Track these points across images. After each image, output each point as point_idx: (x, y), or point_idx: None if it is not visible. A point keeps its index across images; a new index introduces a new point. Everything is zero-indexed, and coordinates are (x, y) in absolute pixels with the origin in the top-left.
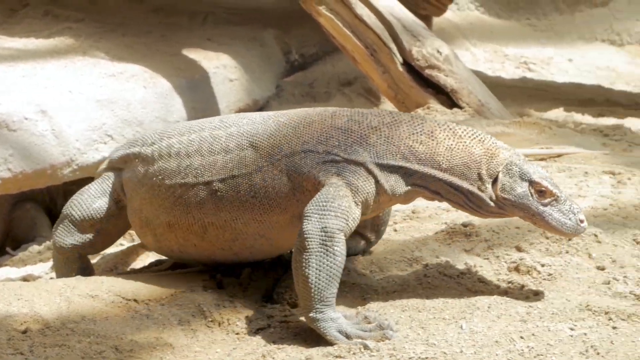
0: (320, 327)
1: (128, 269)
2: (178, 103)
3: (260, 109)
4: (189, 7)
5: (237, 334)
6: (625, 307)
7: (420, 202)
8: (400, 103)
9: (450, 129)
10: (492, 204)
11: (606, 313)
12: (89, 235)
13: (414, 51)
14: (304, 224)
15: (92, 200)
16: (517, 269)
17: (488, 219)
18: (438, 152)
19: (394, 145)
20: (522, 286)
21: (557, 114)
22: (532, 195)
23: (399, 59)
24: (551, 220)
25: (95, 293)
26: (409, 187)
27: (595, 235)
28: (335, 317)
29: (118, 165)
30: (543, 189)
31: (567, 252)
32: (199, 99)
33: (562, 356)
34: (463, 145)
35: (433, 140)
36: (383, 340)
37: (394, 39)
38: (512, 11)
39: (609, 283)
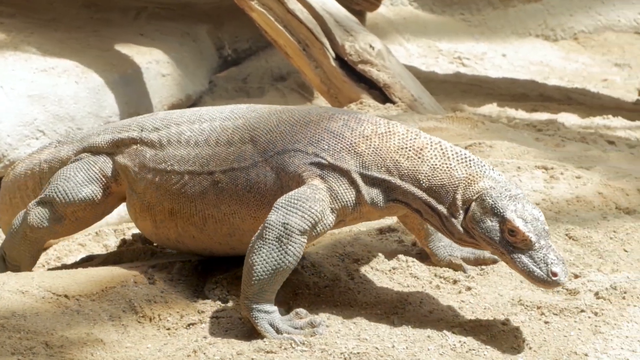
0: (252, 316)
1: (59, 265)
2: (110, 98)
3: (193, 104)
4: (121, 2)
5: (168, 329)
6: (557, 302)
7: None
8: (333, 98)
9: (442, 148)
10: (462, 231)
11: (538, 308)
12: (67, 222)
13: (347, 46)
14: (270, 214)
15: (80, 188)
16: (451, 264)
17: (463, 246)
18: (421, 170)
19: (380, 157)
20: (455, 281)
21: (491, 109)
22: (501, 233)
23: (331, 54)
24: (518, 264)
25: (26, 289)
26: (390, 202)
27: None
28: (270, 311)
29: (106, 150)
30: (514, 229)
31: None
32: (132, 94)
33: (494, 351)
34: (447, 167)
35: (419, 157)
36: (314, 336)
37: (327, 34)
38: (445, 6)
39: None
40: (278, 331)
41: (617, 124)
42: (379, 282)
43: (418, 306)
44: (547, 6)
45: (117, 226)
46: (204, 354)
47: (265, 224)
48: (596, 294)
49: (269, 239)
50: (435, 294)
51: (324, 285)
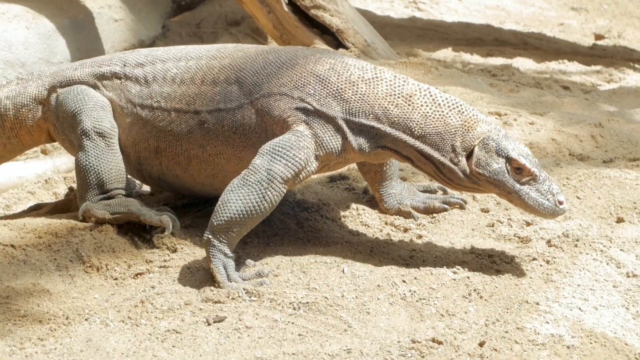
0: (210, 253)
1: (8, 213)
2: (62, 44)
3: None
4: None
5: (115, 279)
6: (509, 250)
7: None
8: (286, 43)
9: (431, 95)
10: (464, 177)
11: (490, 256)
12: None
13: None
14: (255, 158)
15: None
16: (400, 212)
17: (461, 191)
18: (412, 118)
19: (368, 104)
20: (406, 229)
21: (445, 53)
22: (508, 172)
23: None
24: (528, 200)
25: None
26: (379, 149)
27: None
28: (228, 255)
29: (87, 82)
30: (520, 166)
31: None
32: (83, 39)
33: (444, 300)
34: (440, 114)
35: (409, 104)
36: (261, 286)
37: None
38: None
39: (493, 225)
40: (229, 278)
41: (572, 69)
42: (329, 230)
43: (368, 255)
44: None
45: (66, 174)
46: (152, 304)
47: (250, 167)
48: (548, 241)
49: (250, 181)
50: (385, 243)
51: (273, 234)
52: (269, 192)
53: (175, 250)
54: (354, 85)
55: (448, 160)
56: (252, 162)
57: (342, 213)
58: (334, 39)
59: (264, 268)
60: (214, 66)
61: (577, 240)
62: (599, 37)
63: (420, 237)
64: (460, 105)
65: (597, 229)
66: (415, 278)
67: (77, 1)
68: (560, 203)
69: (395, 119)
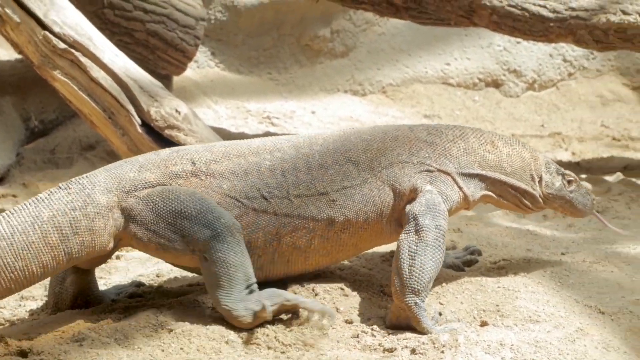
0: (417, 313)
1: None
2: None
3: (1, 179)
4: None
5: None
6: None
7: None
8: None
9: (502, 138)
10: (540, 200)
11: None
12: None
13: (152, 112)
14: (420, 219)
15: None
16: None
17: (528, 214)
18: (502, 159)
19: (471, 156)
20: (269, 347)
21: None
22: (565, 186)
23: (137, 120)
24: (578, 204)
25: None
26: (483, 192)
27: (342, 289)
28: (427, 308)
29: (162, 183)
30: (572, 178)
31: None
32: None
33: None
34: (516, 152)
35: (496, 149)
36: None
37: (132, 100)
38: (252, 66)
39: (357, 336)
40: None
41: None
42: None
43: None
44: (354, 61)
45: None
46: None
47: (423, 228)
48: (413, 350)
49: (429, 241)
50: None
51: None
52: (443, 245)
53: None
54: (454, 143)
55: (530, 188)
56: (420, 224)
57: None
58: None
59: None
60: (311, 153)
61: (443, 346)
62: None
63: (284, 352)
64: (519, 141)
65: (463, 333)
66: None
67: None
68: (594, 201)
69: (492, 163)
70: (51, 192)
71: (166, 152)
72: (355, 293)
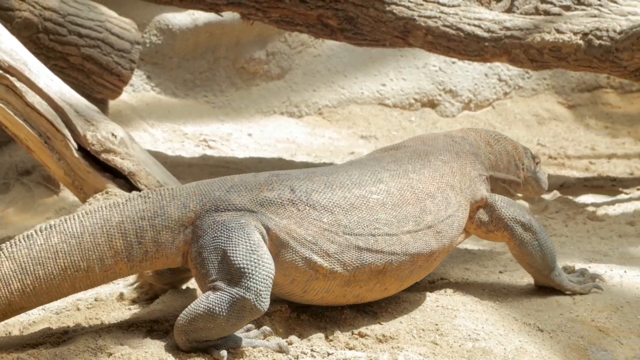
0: (562, 282)
1: None
2: None
3: None
4: None
5: None
6: None
7: None
8: (79, 189)
9: (488, 133)
10: (522, 185)
11: None
12: None
13: (89, 136)
14: (519, 218)
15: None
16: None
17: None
18: (497, 158)
19: (489, 159)
20: None
21: None
22: (534, 167)
23: (74, 145)
24: (542, 183)
25: None
26: (484, 190)
27: (281, 310)
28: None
29: (246, 208)
30: (538, 159)
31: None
32: None
33: None
34: (503, 147)
35: (491, 147)
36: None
37: (68, 125)
38: (188, 89)
39: (297, 358)
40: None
41: None
42: None
43: None
44: (290, 83)
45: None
46: None
47: (526, 224)
48: None
49: (537, 230)
50: None
51: None
52: (541, 226)
53: None
54: (480, 149)
55: (516, 177)
56: (522, 220)
57: None
58: (127, 182)
59: (595, 273)
60: (411, 184)
61: None
62: None
63: None
64: (501, 134)
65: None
66: None
67: None
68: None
69: (493, 163)
70: (130, 198)
71: (265, 175)
72: (295, 314)
